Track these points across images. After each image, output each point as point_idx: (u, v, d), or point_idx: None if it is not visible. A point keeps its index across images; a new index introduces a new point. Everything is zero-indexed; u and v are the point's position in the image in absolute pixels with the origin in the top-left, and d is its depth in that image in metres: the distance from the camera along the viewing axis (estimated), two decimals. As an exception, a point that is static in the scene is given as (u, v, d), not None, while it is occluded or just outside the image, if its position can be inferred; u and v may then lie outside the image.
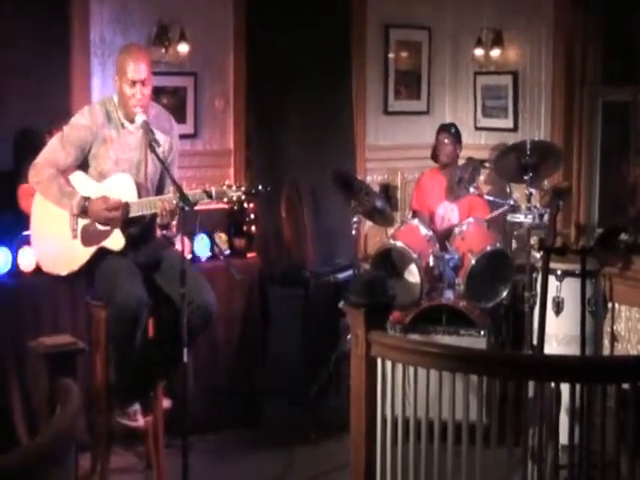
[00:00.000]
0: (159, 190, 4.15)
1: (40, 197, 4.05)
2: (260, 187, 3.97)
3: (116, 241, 3.97)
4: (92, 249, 3.99)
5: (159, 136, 4.01)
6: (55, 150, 4.00)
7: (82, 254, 3.99)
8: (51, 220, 4.02)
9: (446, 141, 5.76)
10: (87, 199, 3.94)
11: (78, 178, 4.03)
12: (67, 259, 4.03)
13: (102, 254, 3.99)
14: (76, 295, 4.44)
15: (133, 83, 3.94)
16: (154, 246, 4.15)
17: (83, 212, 3.94)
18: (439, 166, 5.83)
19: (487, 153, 6.28)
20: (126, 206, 3.93)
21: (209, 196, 3.89)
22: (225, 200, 3.93)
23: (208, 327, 4.18)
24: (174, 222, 4.04)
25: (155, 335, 4.13)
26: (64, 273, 4.05)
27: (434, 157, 5.92)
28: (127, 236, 3.98)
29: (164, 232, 4.23)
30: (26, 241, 4.37)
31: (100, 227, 3.98)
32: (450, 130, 5.81)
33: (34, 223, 4.12)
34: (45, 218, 4.06)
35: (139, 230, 4.06)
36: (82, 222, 4.01)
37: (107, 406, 4.11)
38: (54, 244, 4.04)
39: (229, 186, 3.91)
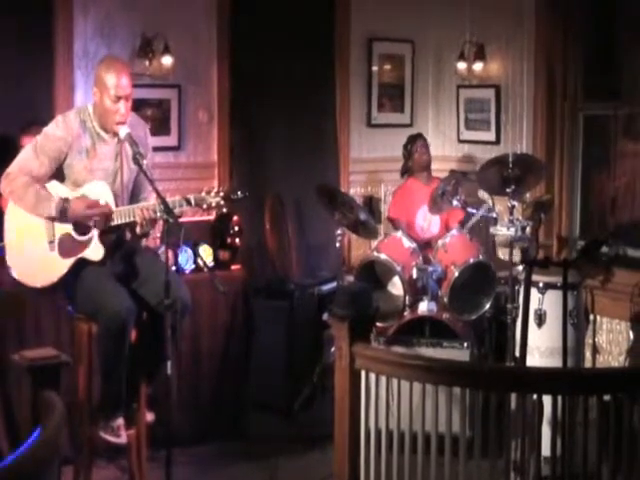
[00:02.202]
0: (132, 199, 4.10)
1: (12, 211, 4.00)
2: (240, 192, 3.94)
3: (95, 251, 3.94)
4: (70, 260, 3.95)
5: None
6: (28, 159, 3.93)
7: (60, 266, 3.95)
8: (26, 234, 3.98)
9: (425, 149, 5.93)
10: (66, 200, 3.90)
11: (53, 187, 3.98)
12: (45, 271, 3.98)
13: (80, 265, 3.95)
14: (59, 307, 4.43)
15: (117, 99, 3.91)
16: (127, 252, 4.11)
17: (63, 214, 3.89)
18: (414, 175, 5.90)
19: (470, 165, 6.33)
20: (107, 205, 3.91)
21: (188, 203, 3.85)
22: (205, 207, 3.88)
23: (183, 322, 4.09)
24: (158, 233, 4.02)
25: (136, 342, 4.10)
26: (43, 285, 4.01)
27: (406, 170, 5.98)
28: (105, 245, 3.95)
29: (146, 243, 4.23)
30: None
31: (78, 238, 3.96)
32: (424, 137, 6.02)
33: (9, 237, 4.06)
34: (20, 232, 4.00)
35: (116, 238, 4.04)
36: (59, 233, 3.96)
37: (90, 419, 4.09)
38: (31, 257, 3.99)
39: (208, 192, 3.88)
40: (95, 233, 3.93)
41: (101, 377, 4.02)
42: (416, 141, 5.96)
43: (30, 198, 3.90)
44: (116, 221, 3.92)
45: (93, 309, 3.92)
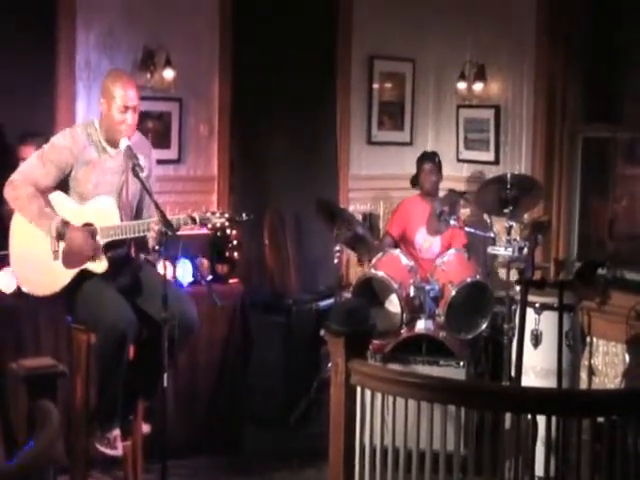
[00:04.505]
0: (137, 214, 4.15)
1: (18, 220, 4.03)
2: (244, 215, 3.99)
3: (99, 263, 3.97)
4: (74, 271, 3.97)
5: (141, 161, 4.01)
6: (34, 168, 3.97)
7: (63, 276, 3.98)
8: (31, 241, 4.00)
9: (430, 170, 5.82)
10: (66, 224, 3.93)
11: (58, 198, 4.02)
12: (48, 280, 4.01)
13: (83, 276, 3.98)
14: (57, 317, 4.43)
15: (125, 108, 3.95)
16: (132, 267, 4.15)
17: (59, 237, 3.92)
18: (421, 193, 5.87)
19: (468, 185, 6.35)
20: (99, 250, 3.94)
21: (193, 221, 3.91)
22: (209, 226, 3.94)
23: (190, 337, 4.15)
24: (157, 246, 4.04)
25: (135, 357, 4.12)
26: (45, 294, 4.03)
27: (414, 183, 5.96)
28: (109, 259, 3.98)
29: (146, 256, 4.24)
30: (6, 261, 4.31)
31: None
32: (434, 160, 5.87)
33: (13, 244, 4.09)
34: (25, 239, 4.03)
35: (120, 253, 4.06)
36: (63, 244, 3.99)
37: (86, 430, 4.10)
38: (35, 265, 4.02)
39: (213, 213, 3.93)
40: (100, 245, 3.95)
41: (97, 388, 4.03)
42: (423, 163, 5.85)
43: (33, 210, 3.94)
44: (122, 235, 3.94)
45: (93, 320, 3.94)
